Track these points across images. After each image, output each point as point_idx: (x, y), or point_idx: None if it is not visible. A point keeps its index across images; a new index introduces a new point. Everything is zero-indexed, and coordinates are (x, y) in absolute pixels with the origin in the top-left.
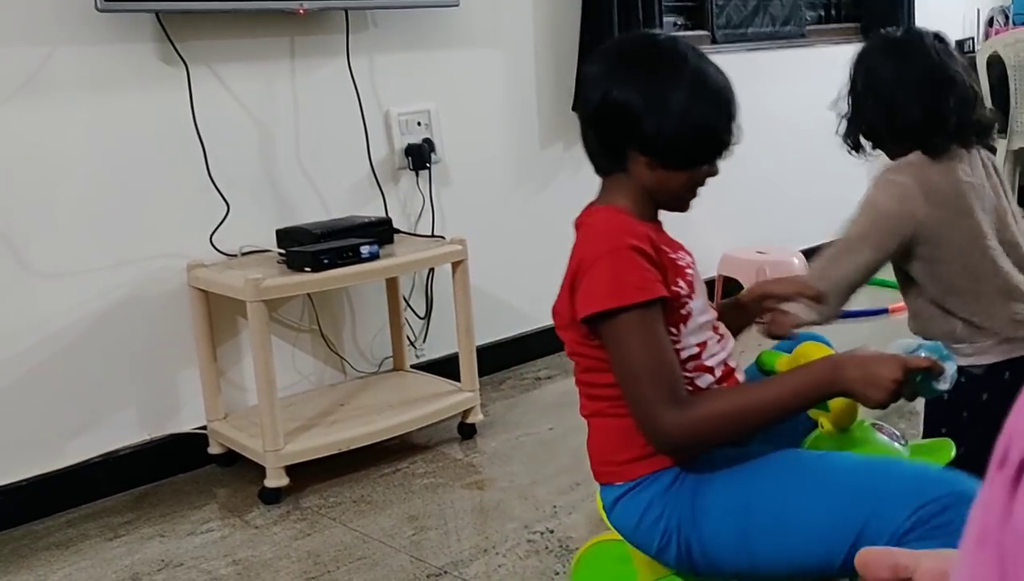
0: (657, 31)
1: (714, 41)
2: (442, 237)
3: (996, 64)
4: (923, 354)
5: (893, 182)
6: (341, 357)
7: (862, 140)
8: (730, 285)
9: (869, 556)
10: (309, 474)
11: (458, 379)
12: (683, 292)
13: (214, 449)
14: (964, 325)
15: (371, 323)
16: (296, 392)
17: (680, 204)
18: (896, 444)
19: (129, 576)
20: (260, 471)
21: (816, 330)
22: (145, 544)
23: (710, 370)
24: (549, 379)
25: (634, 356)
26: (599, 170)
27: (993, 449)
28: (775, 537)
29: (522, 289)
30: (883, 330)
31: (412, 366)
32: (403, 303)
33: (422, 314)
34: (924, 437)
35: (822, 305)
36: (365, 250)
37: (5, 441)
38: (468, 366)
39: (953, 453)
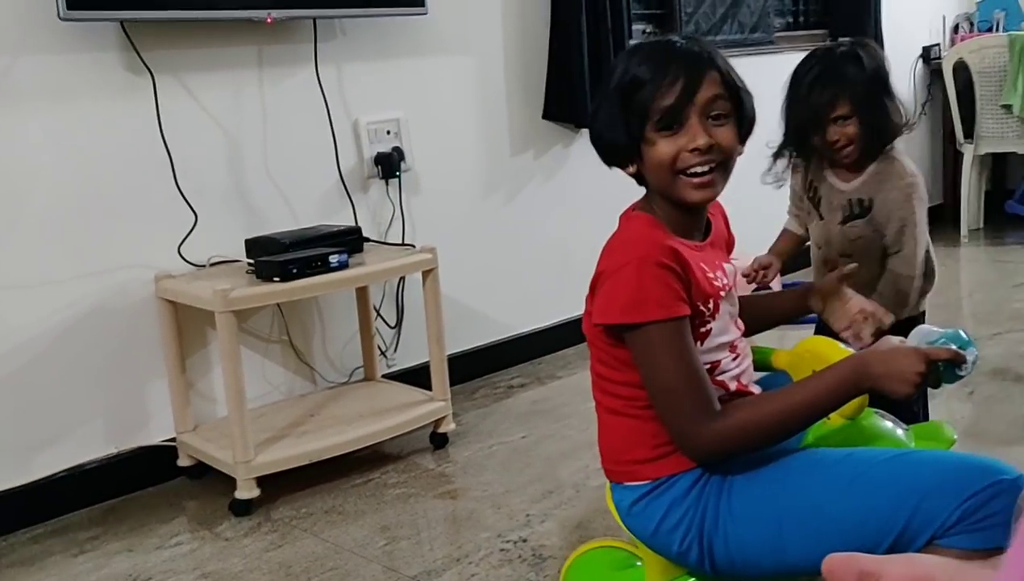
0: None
1: None
2: (412, 246)
3: (962, 70)
4: (943, 342)
5: (917, 174)
6: (311, 367)
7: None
8: None
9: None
10: (280, 485)
11: (430, 388)
12: (706, 313)
13: (183, 461)
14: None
15: (341, 333)
16: (266, 403)
17: (678, 190)
18: (899, 431)
19: None
20: (230, 483)
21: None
22: (112, 559)
23: (722, 384)
24: (522, 387)
25: (666, 371)
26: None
27: None
28: (811, 536)
29: (493, 297)
30: None
31: (383, 376)
32: (373, 312)
33: (393, 323)
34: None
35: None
36: (334, 259)
37: None
38: (439, 375)
39: (954, 437)
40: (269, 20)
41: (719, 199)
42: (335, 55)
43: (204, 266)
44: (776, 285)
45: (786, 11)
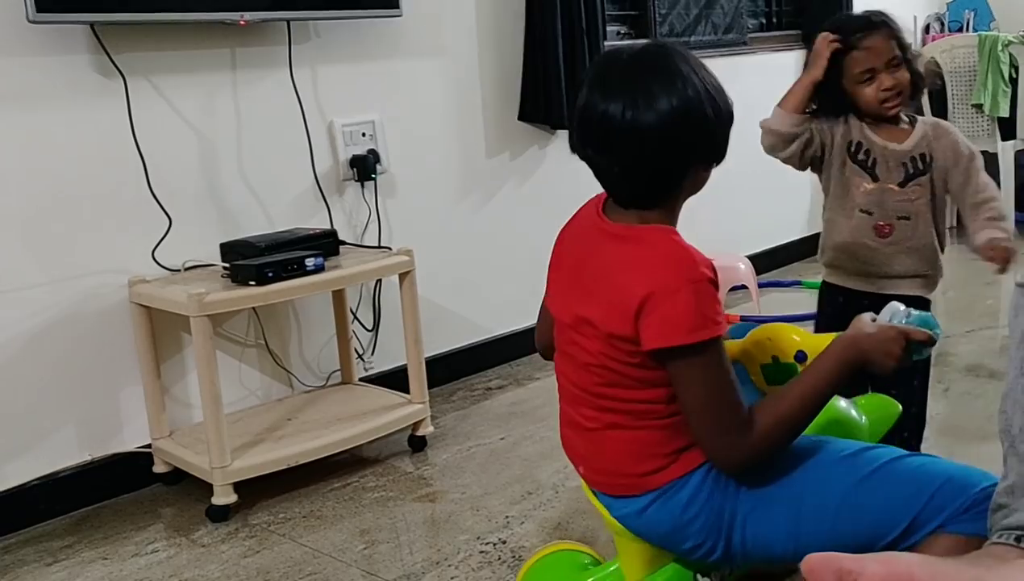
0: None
1: None
2: (388, 248)
3: (934, 74)
4: (915, 322)
5: None
6: (288, 371)
7: None
8: None
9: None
10: (257, 490)
11: (407, 391)
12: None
13: (159, 468)
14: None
15: (318, 336)
16: (243, 408)
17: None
18: (852, 411)
19: None
20: (207, 489)
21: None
22: (87, 568)
23: None
24: (500, 389)
25: (713, 388)
26: (642, 199)
27: None
28: (827, 525)
29: (470, 299)
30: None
31: (360, 379)
32: (350, 315)
33: (370, 326)
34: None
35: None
36: (310, 262)
37: None
38: (417, 378)
39: (899, 411)
40: (242, 22)
41: None
42: (310, 57)
43: (179, 270)
44: (752, 285)
45: (759, 12)
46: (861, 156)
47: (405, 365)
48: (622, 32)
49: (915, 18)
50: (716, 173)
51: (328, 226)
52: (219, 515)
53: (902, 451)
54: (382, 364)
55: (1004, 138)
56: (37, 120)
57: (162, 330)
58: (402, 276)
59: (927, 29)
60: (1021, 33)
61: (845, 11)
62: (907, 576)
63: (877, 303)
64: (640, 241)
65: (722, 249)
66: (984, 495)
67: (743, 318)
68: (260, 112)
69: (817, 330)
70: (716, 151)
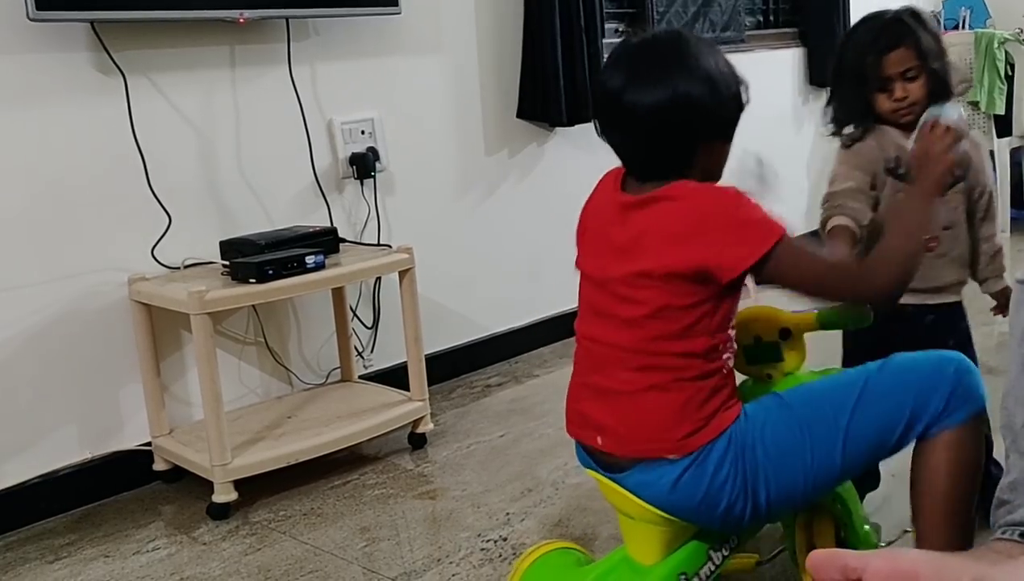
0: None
1: None
2: (388, 246)
3: None
4: (948, 115)
5: None
6: (287, 369)
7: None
8: None
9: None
10: (258, 488)
11: (407, 389)
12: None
13: (159, 466)
14: None
15: (318, 334)
16: (243, 405)
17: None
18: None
19: None
20: (207, 487)
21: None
22: (88, 565)
23: (724, 364)
24: (499, 387)
25: (812, 261)
26: (658, 172)
27: None
28: (836, 453)
29: (470, 297)
30: None
31: (360, 377)
32: (350, 313)
33: (369, 324)
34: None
35: None
36: (310, 260)
37: None
38: (417, 375)
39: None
40: (241, 20)
41: None
42: (309, 55)
43: (178, 268)
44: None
45: (756, 10)
46: (901, 170)
47: (405, 363)
48: (620, 29)
49: None
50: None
51: (328, 224)
52: (220, 513)
53: (873, 365)
54: (382, 362)
55: (1000, 135)
56: (37, 118)
57: (162, 328)
58: (402, 274)
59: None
60: (1017, 30)
61: (841, 10)
62: (911, 572)
63: (917, 315)
64: (680, 192)
65: None
66: (953, 388)
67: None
68: (259, 110)
69: (847, 352)
70: (719, 131)
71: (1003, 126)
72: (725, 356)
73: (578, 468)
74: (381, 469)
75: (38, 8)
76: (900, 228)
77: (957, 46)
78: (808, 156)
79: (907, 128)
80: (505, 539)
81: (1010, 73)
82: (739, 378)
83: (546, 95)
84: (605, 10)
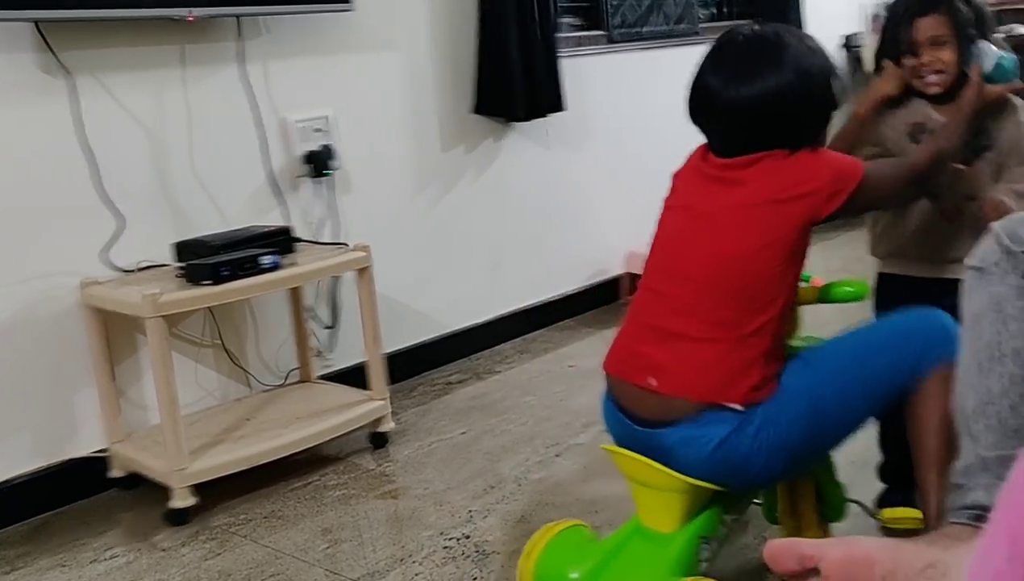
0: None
1: (611, 41)
2: (345, 244)
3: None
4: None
5: None
6: (245, 371)
7: None
8: (636, 281)
9: (776, 549)
10: (217, 492)
11: (367, 388)
12: None
13: (115, 472)
14: None
15: (275, 335)
16: (200, 409)
17: None
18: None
19: None
20: (165, 492)
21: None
22: (44, 575)
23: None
24: (460, 384)
25: (888, 179)
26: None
27: None
28: (846, 408)
29: (429, 294)
30: None
31: (319, 377)
32: (308, 313)
33: (328, 323)
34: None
35: None
36: (266, 260)
37: None
38: (377, 374)
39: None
40: (190, 18)
41: None
42: (261, 53)
43: (132, 271)
44: None
45: (710, 2)
46: (922, 138)
47: (364, 361)
48: (575, 24)
49: (863, 6)
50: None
51: (284, 223)
52: (178, 518)
53: (868, 326)
54: (341, 361)
55: None
56: None
57: (116, 332)
58: (359, 272)
59: (875, 18)
60: None
61: (792, 3)
62: (867, 559)
63: (943, 288)
64: (777, 160)
65: None
66: (938, 330)
67: None
68: (212, 109)
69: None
70: (812, 127)
71: None
72: (782, 324)
73: (540, 463)
74: (342, 469)
75: None
76: (936, 138)
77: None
78: None
79: (936, 101)
80: (468, 537)
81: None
82: None
83: (502, 90)
84: (560, 4)
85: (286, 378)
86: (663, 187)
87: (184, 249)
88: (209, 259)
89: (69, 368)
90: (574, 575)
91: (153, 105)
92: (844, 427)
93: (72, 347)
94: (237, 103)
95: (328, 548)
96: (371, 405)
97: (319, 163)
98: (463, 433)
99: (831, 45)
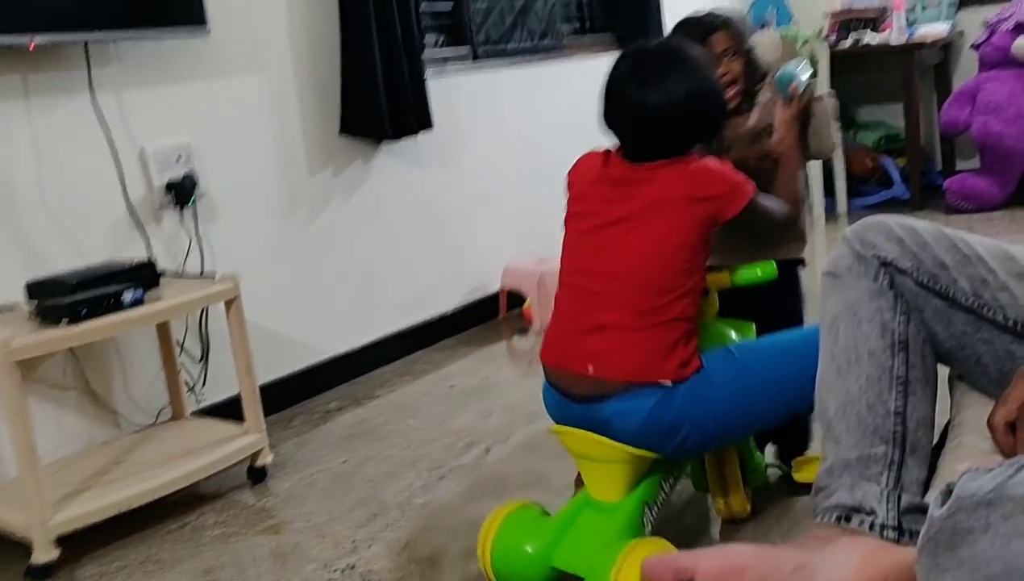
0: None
1: (476, 58)
2: (212, 276)
3: None
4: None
5: None
6: (113, 411)
7: None
8: (514, 297)
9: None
10: (86, 541)
11: (243, 421)
12: None
13: None
14: None
15: (144, 372)
16: (64, 455)
17: None
18: (730, 332)
19: None
20: (26, 547)
21: None
22: None
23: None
24: (339, 411)
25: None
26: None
27: None
28: (774, 395)
29: (304, 321)
30: None
31: (193, 413)
32: (177, 347)
33: (198, 357)
34: None
35: None
36: (128, 296)
37: None
38: (252, 407)
39: (754, 330)
40: (32, 47)
41: None
42: (112, 81)
43: None
44: None
45: (572, 17)
46: (716, 148)
47: (239, 394)
48: (439, 41)
49: None
50: (536, 175)
51: (146, 256)
52: (41, 575)
53: (790, 334)
54: (214, 395)
55: None
56: None
57: None
58: (228, 303)
59: None
60: (819, 29)
61: (654, 15)
62: (740, 566)
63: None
64: (689, 162)
65: (555, 252)
66: None
67: None
68: (61, 141)
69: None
70: (709, 130)
71: None
72: (697, 308)
73: (424, 487)
74: (220, 507)
75: None
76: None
77: (765, 44)
78: None
79: (735, 113)
80: (353, 567)
81: (815, 70)
82: None
83: (369, 110)
84: (423, 23)
85: (157, 416)
86: (535, 201)
87: (38, 288)
88: (65, 298)
89: None
90: (529, 549)
91: None
92: (757, 419)
93: None
94: (89, 134)
95: None
96: (247, 439)
97: (181, 192)
98: (344, 462)
99: None
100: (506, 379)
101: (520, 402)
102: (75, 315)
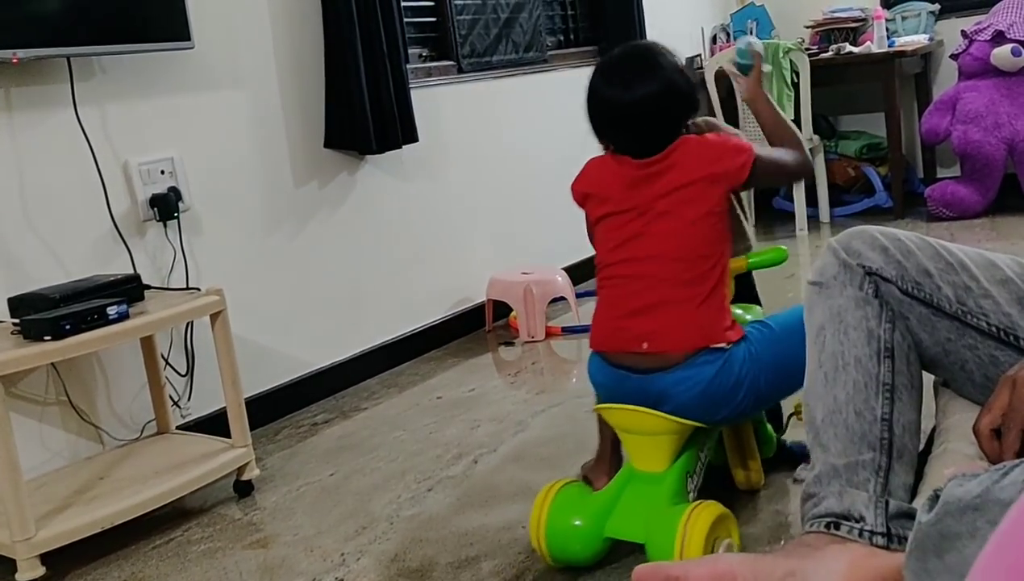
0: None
1: (461, 71)
2: (197, 289)
3: (724, 78)
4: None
5: None
6: (97, 427)
7: None
8: (500, 308)
9: (643, 572)
10: (70, 559)
11: (229, 435)
12: None
13: None
14: None
15: (128, 386)
16: (47, 471)
17: None
18: (743, 314)
19: None
20: (10, 565)
21: None
22: None
23: None
24: (326, 423)
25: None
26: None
27: None
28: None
29: (290, 333)
30: None
31: (178, 427)
32: (162, 362)
33: (183, 371)
34: None
35: None
36: (112, 311)
37: None
38: (238, 420)
39: (760, 310)
40: (15, 60)
41: None
42: (96, 95)
43: None
44: (570, 296)
45: (557, 30)
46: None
47: (224, 408)
48: (424, 55)
49: (702, 29)
50: (523, 186)
51: (130, 270)
52: None
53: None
54: (200, 409)
55: None
56: None
57: None
58: (213, 317)
59: (714, 40)
60: (799, 40)
61: (637, 26)
62: (728, 574)
63: None
64: (685, 142)
65: (540, 262)
66: None
67: (564, 329)
68: (45, 155)
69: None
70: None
71: None
72: (728, 275)
73: (412, 499)
74: (207, 522)
75: None
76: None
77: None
78: None
79: None
80: (342, 580)
81: (796, 80)
82: None
83: (353, 123)
84: (408, 35)
85: (142, 431)
86: (521, 212)
87: (20, 304)
88: (49, 313)
89: None
90: (578, 523)
91: None
92: (797, 381)
93: None
94: (73, 148)
95: None
96: (233, 453)
97: (166, 206)
98: (331, 474)
99: None
100: (493, 390)
101: (507, 413)
102: (58, 330)
